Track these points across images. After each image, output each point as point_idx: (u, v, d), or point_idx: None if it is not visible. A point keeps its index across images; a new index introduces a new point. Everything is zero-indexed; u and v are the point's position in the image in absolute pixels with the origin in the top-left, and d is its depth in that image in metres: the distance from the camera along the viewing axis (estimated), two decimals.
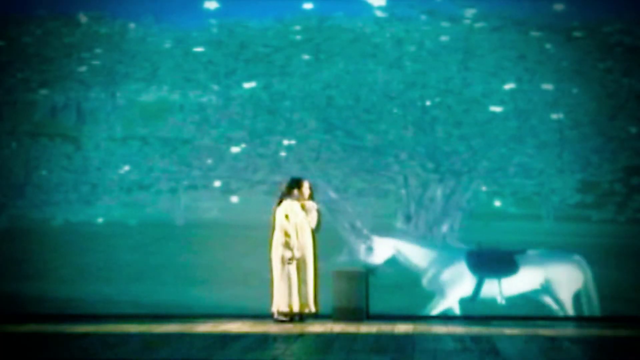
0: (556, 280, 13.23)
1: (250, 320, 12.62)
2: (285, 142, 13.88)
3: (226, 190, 13.93)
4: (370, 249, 13.40)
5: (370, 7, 13.87)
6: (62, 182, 14.01)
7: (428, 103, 13.80)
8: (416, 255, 13.36)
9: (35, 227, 13.92)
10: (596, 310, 13.20)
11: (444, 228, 13.62)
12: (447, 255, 13.22)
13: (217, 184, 13.93)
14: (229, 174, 13.90)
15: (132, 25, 14.08)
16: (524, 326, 12.23)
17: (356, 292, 12.85)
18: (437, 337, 11.24)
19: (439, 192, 13.70)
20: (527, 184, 13.69)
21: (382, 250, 13.41)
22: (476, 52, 13.77)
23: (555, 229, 13.65)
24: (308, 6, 13.95)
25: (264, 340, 10.93)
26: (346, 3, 13.92)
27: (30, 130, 14.15)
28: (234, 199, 13.92)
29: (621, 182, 13.63)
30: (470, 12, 13.78)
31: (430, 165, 13.73)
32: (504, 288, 13.08)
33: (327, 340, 11.07)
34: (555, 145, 13.67)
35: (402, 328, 11.96)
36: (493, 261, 13.21)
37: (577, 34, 13.75)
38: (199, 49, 14.01)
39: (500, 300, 13.09)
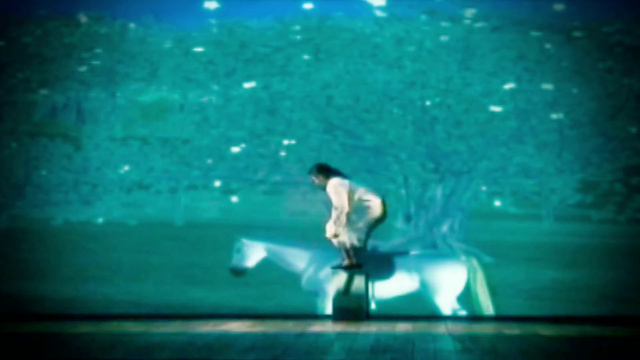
0: (434, 282, 13.01)
1: (250, 320, 12.62)
2: (285, 142, 13.89)
3: (226, 190, 13.94)
4: (239, 252, 13.21)
5: (370, 7, 13.87)
6: (62, 182, 14.01)
7: (428, 103, 13.80)
8: (292, 255, 13.17)
9: (35, 227, 13.93)
10: (490, 310, 13.06)
11: (444, 228, 13.62)
12: (323, 254, 12.95)
13: (217, 184, 13.94)
14: (229, 174, 13.90)
15: (132, 25, 14.09)
16: (524, 326, 12.22)
17: (356, 292, 12.84)
18: (437, 337, 11.23)
19: (439, 192, 13.70)
20: (527, 184, 13.70)
21: (252, 253, 13.21)
22: (476, 52, 13.78)
23: (555, 229, 13.66)
24: (308, 6, 13.95)
25: (264, 340, 10.92)
26: (346, 3, 13.93)
27: (30, 130, 14.16)
28: (234, 199, 13.92)
29: (621, 182, 13.64)
30: (470, 12, 13.78)
31: (430, 165, 13.73)
32: (378, 288, 12.79)
33: (327, 340, 11.07)
34: (555, 145, 13.67)
35: (402, 328, 11.95)
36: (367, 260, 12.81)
37: (577, 34, 13.75)
38: (199, 49, 14.01)
39: (371, 301, 12.80)
